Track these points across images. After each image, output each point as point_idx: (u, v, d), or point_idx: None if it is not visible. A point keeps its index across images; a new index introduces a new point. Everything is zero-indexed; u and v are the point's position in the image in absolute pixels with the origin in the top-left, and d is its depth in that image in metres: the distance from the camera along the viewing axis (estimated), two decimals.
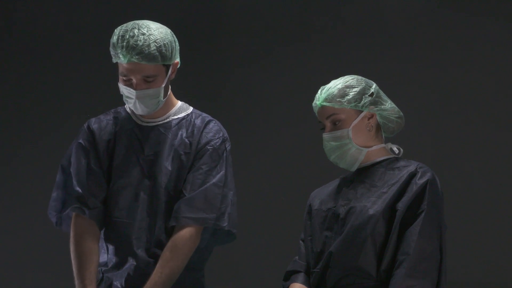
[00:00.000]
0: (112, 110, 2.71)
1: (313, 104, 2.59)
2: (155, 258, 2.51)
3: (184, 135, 2.60)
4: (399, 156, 2.61)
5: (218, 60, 4.10)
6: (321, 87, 2.58)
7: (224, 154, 2.61)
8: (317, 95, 2.58)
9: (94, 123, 2.65)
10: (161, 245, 2.52)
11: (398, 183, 2.45)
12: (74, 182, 2.57)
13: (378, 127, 2.58)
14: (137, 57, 2.48)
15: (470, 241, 3.61)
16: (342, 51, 3.91)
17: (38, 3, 4.31)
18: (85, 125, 2.67)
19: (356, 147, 2.52)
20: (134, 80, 2.51)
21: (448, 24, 3.80)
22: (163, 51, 2.51)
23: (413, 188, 2.42)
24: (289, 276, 2.62)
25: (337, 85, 2.55)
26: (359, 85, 2.54)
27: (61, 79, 4.25)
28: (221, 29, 4.12)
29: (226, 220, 2.56)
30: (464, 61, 3.76)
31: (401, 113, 2.62)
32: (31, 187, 4.20)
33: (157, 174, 2.56)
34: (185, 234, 2.50)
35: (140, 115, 2.62)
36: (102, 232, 2.60)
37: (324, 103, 2.53)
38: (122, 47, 2.49)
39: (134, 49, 2.48)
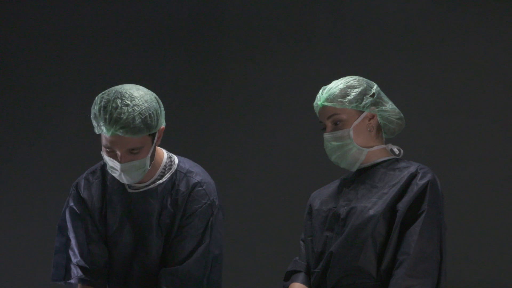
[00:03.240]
0: (99, 167, 2.62)
1: (314, 104, 2.59)
2: None
3: (169, 202, 2.53)
4: (400, 157, 2.61)
5: (218, 60, 4.10)
6: (322, 87, 2.59)
7: (210, 220, 2.54)
8: (318, 95, 2.58)
9: (83, 189, 2.58)
10: None
11: (398, 183, 2.46)
12: (76, 252, 2.54)
13: (379, 128, 2.59)
14: (121, 130, 2.35)
15: (470, 241, 3.61)
16: (342, 53, 3.91)
17: (36, 3, 4.31)
18: (75, 190, 2.60)
19: (357, 147, 2.53)
20: (118, 153, 2.40)
21: (449, 26, 3.80)
22: (149, 122, 2.39)
23: (414, 188, 2.43)
24: (289, 276, 2.63)
25: (338, 85, 2.56)
26: (361, 86, 2.55)
27: (61, 78, 4.25)
28: (221, 29, 4.11)
29: (205, 286, 2.54)
30: (464, 62, 3.76)
31: (402, 114, 2.62)
32: (30, 187, 4.20)
33: (148, 248, 2.53)
34: None
35: None
36: None
37: (326, 103, 2.54)
38: (105, 119, 2.36)
39: (117, 122, 2.35)
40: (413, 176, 2.46)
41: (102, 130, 2.38)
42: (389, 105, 2.59)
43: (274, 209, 3.87)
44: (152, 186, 2.55)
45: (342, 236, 2.46)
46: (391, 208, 2.43)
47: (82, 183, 2.61)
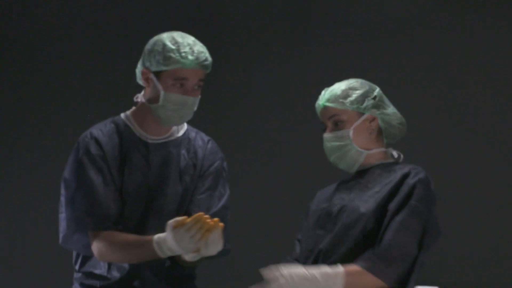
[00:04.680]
0: (109, 121, 2.60)
1: (316, 105, 2.62)
2: (162, 276, 2.50)
3: (187, 155, 2.59)
4: (399, 161, 2.61)
5: (219, 61, 4.09)
6: (325, 89, 2.61)
7: (224, 174, 2.64)
8: (320, 96, 2.61)
9: (98, 135, 2.54)
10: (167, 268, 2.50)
11: (391, 183, 2.46)
12: (90, 201, 2.46)
13: (380, 132, 2.59)
14: (204, 63, 2.50)
15: (472, 244, 3.59)
16: (342, 56, 3.91)
17: (35, 5, 4.32)
18: (88, 137, 2.53)
19: (356, 148, 2.54)
20: (190, 86, 2.50)
21: (452, 31, 3.80)
22: (211, 60, 2.56)
23: (405, 188, 2.42)
24: None
25: (340, 86, 2.58)
26: (362, 88, 2.57)
27: (60, 79, 4.25)
28: (222, 30, 4.12)
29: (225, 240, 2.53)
30: (468, 68, 3.76)
31: (403, 120, 2.63)
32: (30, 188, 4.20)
33: (165, 197, 2.54)
34: None
35: (144, 132, 2.57)
36: None
37: (327, 104, 2.56)
38: (186, 52, 2.47)
39: (200, 54, 2.49)
40: (405, 176, 2.45)
41: (180, 63, 2.47)
42: (391, 109, 2.60)
43: (273, 208, 3.86)
44: (171, 138, 2.61)
45: (332, 233, 2.46)
46: (383, 207, 2.42)
47: (95, 131, 2.55)
